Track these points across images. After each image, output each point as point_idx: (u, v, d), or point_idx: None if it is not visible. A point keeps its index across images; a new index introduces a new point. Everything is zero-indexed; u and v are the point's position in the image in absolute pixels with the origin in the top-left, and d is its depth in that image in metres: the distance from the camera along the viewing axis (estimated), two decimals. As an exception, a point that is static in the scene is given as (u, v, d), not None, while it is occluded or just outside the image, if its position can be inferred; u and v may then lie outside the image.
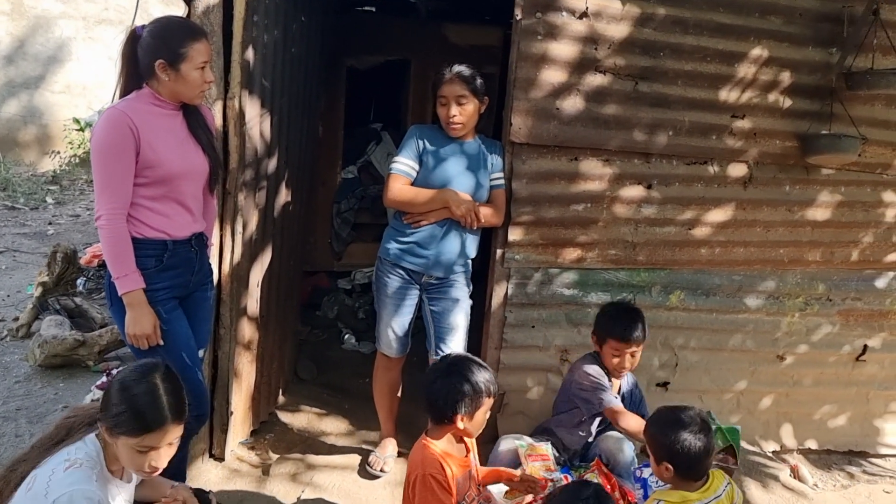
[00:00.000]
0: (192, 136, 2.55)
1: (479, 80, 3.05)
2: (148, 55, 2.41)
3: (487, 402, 2.44)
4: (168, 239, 2.51)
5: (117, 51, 2.52)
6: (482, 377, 2.41)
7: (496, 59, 5.36)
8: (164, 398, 1.98)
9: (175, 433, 2.02)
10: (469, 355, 2.61)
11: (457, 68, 3.04)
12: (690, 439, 2.29)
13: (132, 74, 2.48)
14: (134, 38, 2.45)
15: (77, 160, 10.00)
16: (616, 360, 3.00)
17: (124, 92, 2.49)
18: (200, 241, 2.68)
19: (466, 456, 2.59)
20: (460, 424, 2.40)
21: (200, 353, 2.79)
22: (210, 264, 2.80)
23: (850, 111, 3.42)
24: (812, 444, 3.98)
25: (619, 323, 2.99)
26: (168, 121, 2.49)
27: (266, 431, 3.64)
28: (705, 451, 2.32)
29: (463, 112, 3.02)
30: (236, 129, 2.94)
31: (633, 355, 3.00)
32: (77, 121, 10.06)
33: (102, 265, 5.52)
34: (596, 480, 2.89)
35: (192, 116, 2.57)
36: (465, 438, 2.59)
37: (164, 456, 2.01)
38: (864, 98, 3.46)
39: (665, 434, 2.34)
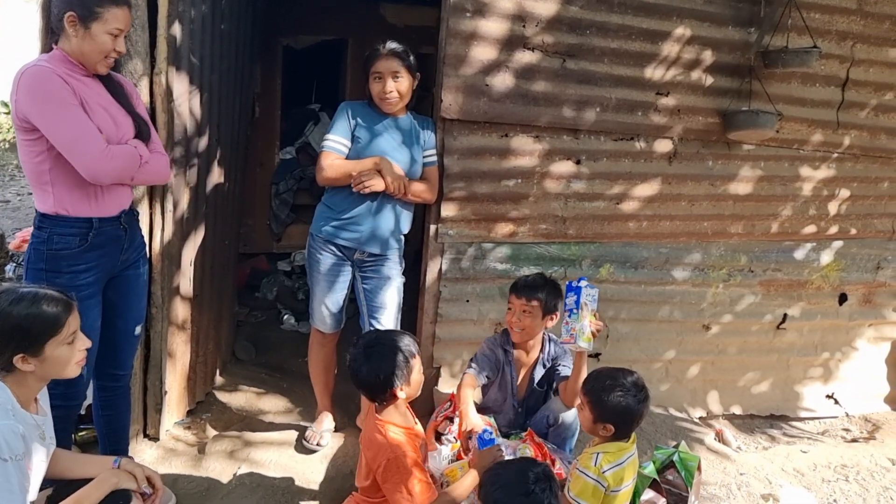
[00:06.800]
0: (117, 102, 2.44)
1: (411, 57, 3.08)
2: (60, 4, 2.26)
3: (416, 362, 2.47)
4: (94, 217, 2.41)
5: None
6: (401, 344, 2.44)
7: (433, 39, 5.37)
8: (46, 291, 2.02)
9: (77, 316, 2.07)
10: (379, 329, 2.62)
11: (390, 45, 3.05)
12: (633, 404, 2.41)
13: (50, 29, 2.35)
14: None
15: (6, 145, 9.68)
16: (508, 316, 3.03)
17: (44, 50, 2.37)
18: (130, 217, 2.59)
19: (414, 423, 2.63)
20: (401, 394, 2.44)
21: (137, 329, 2.77)
22: (143, 239, 2.74)
23: (768, 89, 3.56)
24: (736, 410, 4.16)
25: (518, 279, 3.05)
26: (89, 87, 2.36)
27: (203, 411, 3.63)
28: (641, 415, 2.45)
29: (398, 87, 3.05)
30: (164, 105, 2.91)
31: (524, 311, 2.96)
32: (6, 104, 9.72)
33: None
34: (529, 450, 2.98)
35: (110, 83, 2.46)
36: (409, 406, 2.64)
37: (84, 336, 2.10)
38: (780, 76, 3.61)
39: (609, 398, 2.42)
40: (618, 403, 2.41)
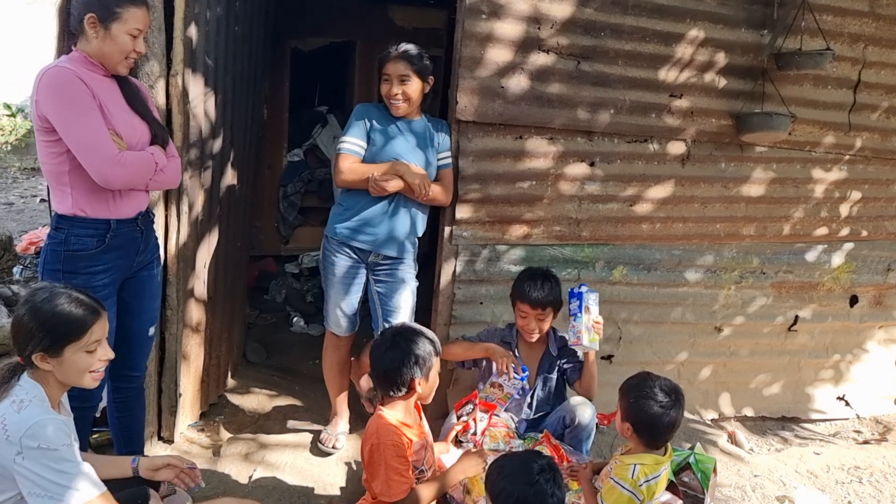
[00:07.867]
0: (129, 106, 2.44)
1: (425, 60, 3.07)
2: (80, 6, 2.29)
3: (437, 361, 2.50)
4: (111, 218, 2.42)
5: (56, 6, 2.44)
6: (426, 339, 2.47)
7: (441, 41, 5.40)
8: (80, 295, 1.98)
9: (104, 326, 2.02)
10: (407, 323, 2.67)
11: (403, 47, 3.05)
12: (658, 411, 2.36)
13: (67, 32, 2.36)
14: None
15: (9, 147, 9.66)
16: (522, 322, 3.05)
17: (60, 53, 2.39)
18: (147, 219, 2.61)
19: (420, 422, 2.63)
20: (419, 389, 2.45)
21: (151, 330, 2.76)
22: (157, 241, 2.74)
23: (781, 91, 3.57)
24: (748, 412, 4.16)
25: (525, 285, 3.02)
26: (107, 88, 2.37)
27: (215, 413, 3.62)
28: (668, 426, 2.39)
29: (405, 91, 3.04)
30: (180, 107, 2.90)
31: (539, 319, 3.00)
32: (8, 106, 9.71)
33: (39, 253, 5.38)
34: (545, 452, 2.98)
35: (125, 85, 2.46)
36: (419, 405, 2.64)
37: (108, 348, 2.05)
38: (793, 78, 3.61)
39: (636, 399, 2.40)
40: (640, 405, 2.39)
